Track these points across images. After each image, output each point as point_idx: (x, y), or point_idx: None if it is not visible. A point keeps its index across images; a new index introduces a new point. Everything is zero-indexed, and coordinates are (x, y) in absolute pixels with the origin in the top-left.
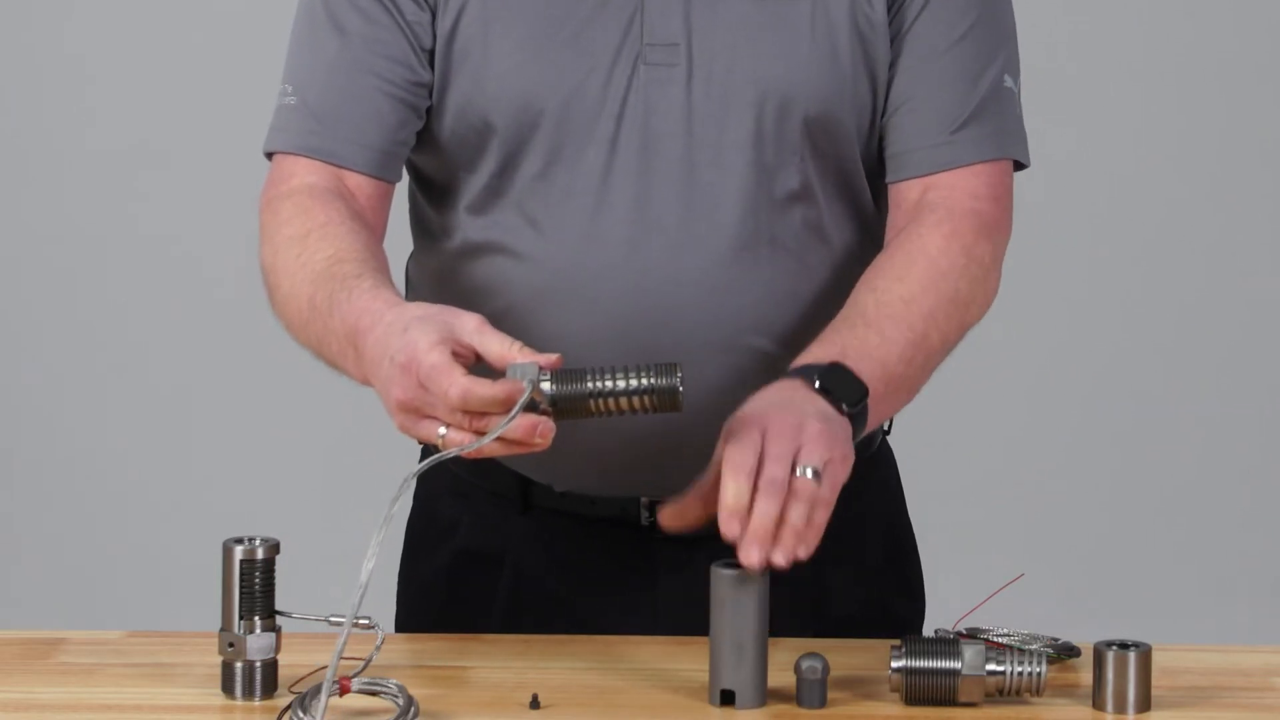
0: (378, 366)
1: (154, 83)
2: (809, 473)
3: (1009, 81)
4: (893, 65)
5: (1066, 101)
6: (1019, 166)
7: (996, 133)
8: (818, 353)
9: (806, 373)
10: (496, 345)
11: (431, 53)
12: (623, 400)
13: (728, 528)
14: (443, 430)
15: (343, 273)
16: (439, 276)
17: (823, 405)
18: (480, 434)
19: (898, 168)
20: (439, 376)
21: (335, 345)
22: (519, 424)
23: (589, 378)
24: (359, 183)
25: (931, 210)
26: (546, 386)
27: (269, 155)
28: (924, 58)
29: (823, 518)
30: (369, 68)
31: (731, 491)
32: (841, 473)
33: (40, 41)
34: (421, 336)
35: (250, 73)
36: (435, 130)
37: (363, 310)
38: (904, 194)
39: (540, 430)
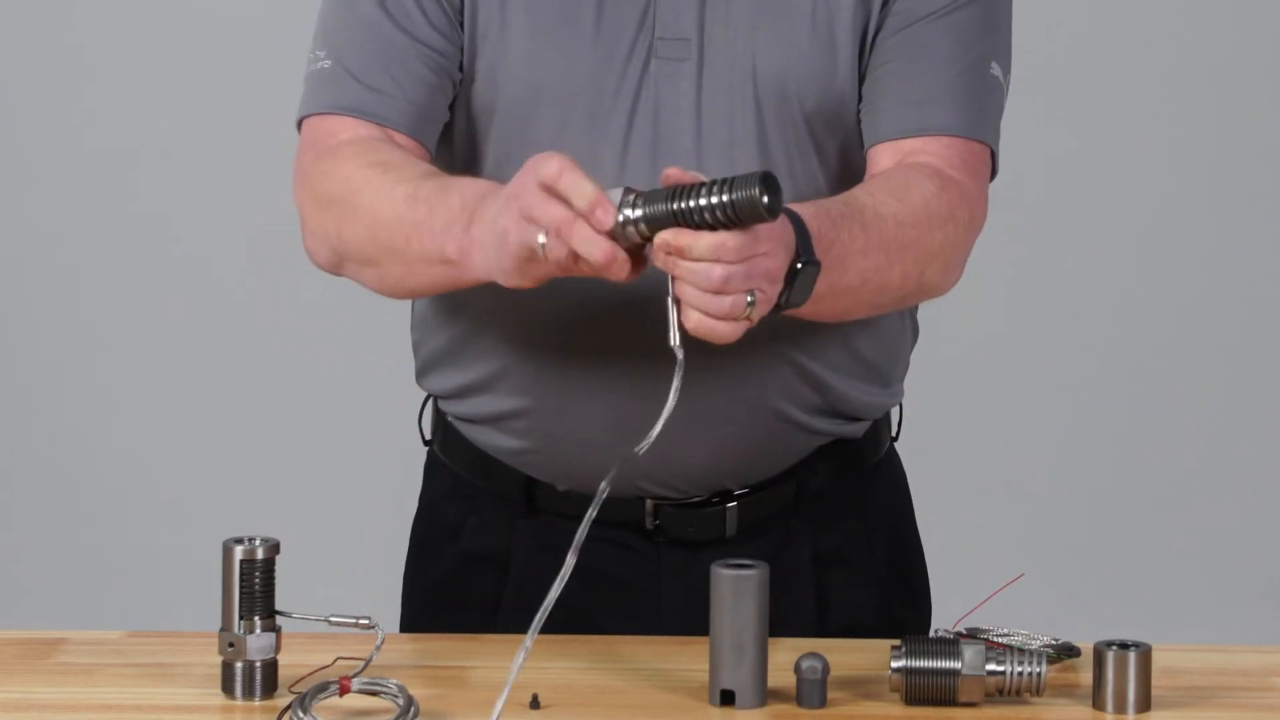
0: (497, 200)
1: (154, 82)
2: (750, 299)
3: (995, 70)
4: (877, 34)
5: (1065, 101)
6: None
7: (975, 112)
8: (822, 226)
9: (800, 232)
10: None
11: (461, 26)
12: (707, 214)
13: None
14: (541, 239)
15: (452, 178)
16: None
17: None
18: (575, 254)
19: (872, 132)
20: (553, 160)
21: (441, 220)
22: (600, 249)
23: (674, 198)
24: (403, 143)
25: (920, 166)
26: (630, 212)
27: (299, 124)
28: (907, 26)
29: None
30: (407, 30)
31: (712, 273)
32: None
33: (41, 41)
34: (553, 153)
35: (251, 72)
36: (452, 116)
37: (485, 185)
38: (876, 159)
39: (618, 264)
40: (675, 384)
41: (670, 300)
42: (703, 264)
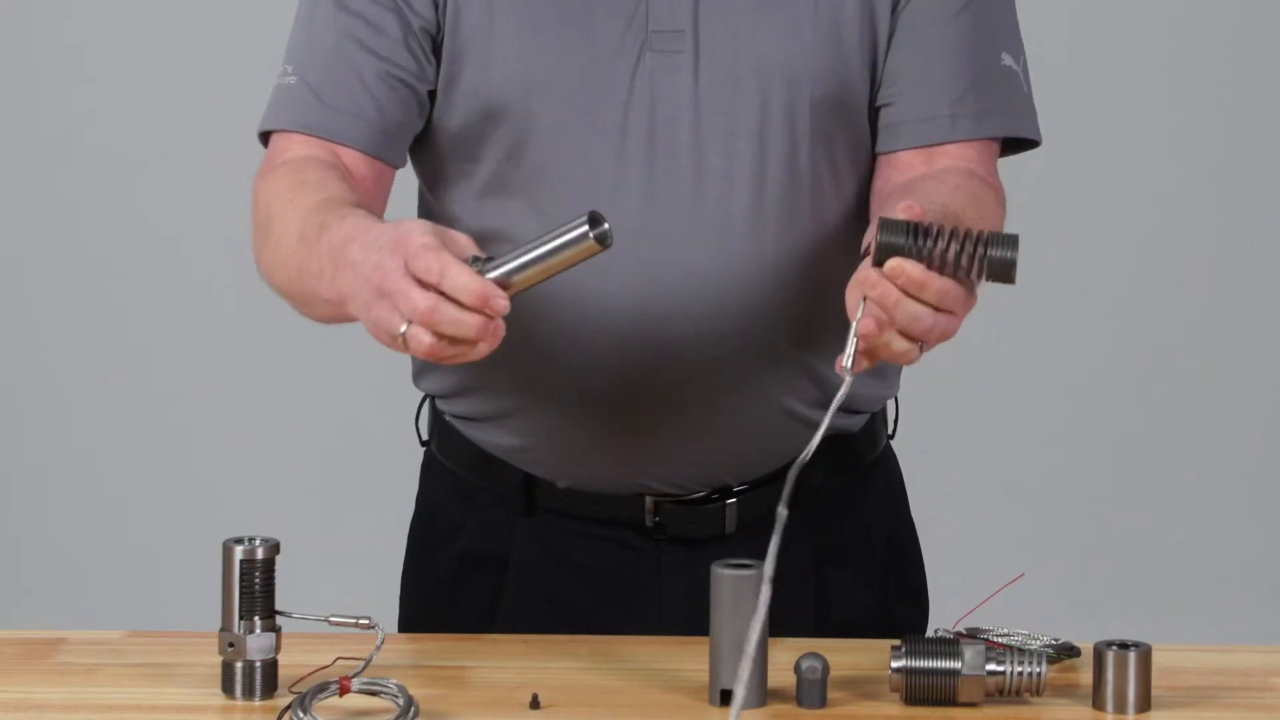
0: (359, 267)
1: (153, 83)
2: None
3: (1008, 60)
4: (890, 39)
5: (1062, 100)
6: (1030, 145)
7: (992, 110)
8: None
9: None
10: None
11: (436, 41)
12: (950, 258)
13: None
14: (403, 327)
15: (337, 210)
16: None
17: None
18: (439, 335)
19: (893, 138)
20: (427, 254)
21: (315, 265)
22: (475, 325)
23: (917, 234)
24: (355, 160)
25: (970, 172)
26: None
27: (265, 138)
28: (920, 32)
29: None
30: (370, 48)
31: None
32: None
33: (39, 41)
34: (415, 226)
35: (251, 71)
36: (444, 122)
37: (353, 228)
38: (903, 160)
39: (491, 317)
40: (839, 399)
41: (855, 326)
42: (918, 307)
